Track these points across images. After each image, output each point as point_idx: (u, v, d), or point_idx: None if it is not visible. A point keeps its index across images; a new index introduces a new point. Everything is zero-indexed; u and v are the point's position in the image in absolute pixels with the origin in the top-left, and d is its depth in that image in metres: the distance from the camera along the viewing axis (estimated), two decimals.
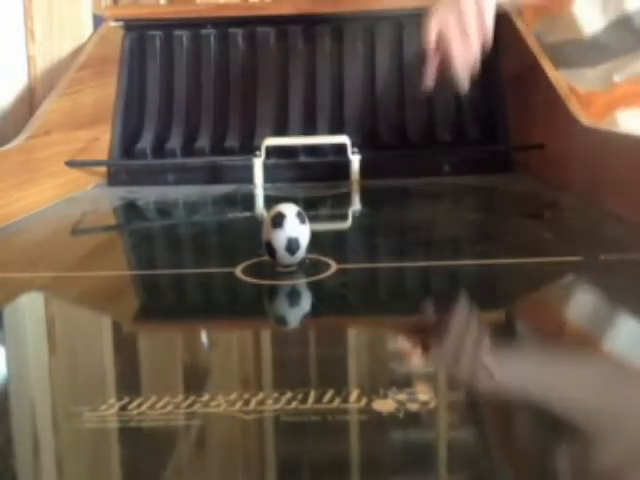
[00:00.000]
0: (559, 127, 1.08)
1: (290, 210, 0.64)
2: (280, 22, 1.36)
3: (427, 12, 1.02)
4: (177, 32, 1.35)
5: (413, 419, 0.39)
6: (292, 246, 0.63)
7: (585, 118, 1.00)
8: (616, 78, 1.17)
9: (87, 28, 1.37)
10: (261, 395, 0.42)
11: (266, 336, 0.58)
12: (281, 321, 0.60)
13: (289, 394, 0.42)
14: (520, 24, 1.27)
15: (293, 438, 0.39)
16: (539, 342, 0.53)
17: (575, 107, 1.04)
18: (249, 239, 0.85)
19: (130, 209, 1.11)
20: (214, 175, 1.24)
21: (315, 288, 0.63)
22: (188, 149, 1.27)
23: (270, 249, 0.64)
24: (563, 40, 1.21)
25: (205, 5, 1.49)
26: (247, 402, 0.41)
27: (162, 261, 0.81)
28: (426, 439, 0.39)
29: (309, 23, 1.35)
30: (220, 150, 1.27)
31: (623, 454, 0.35)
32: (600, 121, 1.15)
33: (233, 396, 0.42)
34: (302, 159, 1.25)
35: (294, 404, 0.41)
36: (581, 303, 0.63)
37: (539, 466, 0.35)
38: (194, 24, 1.36)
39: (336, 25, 1.35)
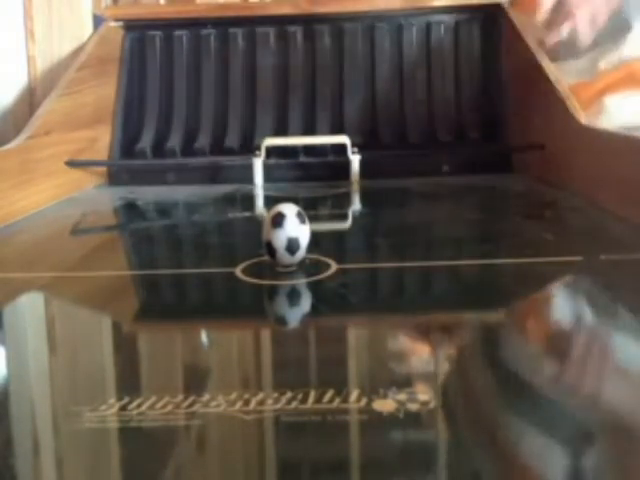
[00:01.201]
0: (559, 127, 1.08)
1: (290, 210, 0.64)
2: (280, 22, 1.36)
3: None
4: (177, 32, 1.35)
5: (413, 419, 0.39)
6: (292, 246, 0.63)
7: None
8: (601, 65, 1.16)
9: (87, 28, 1.37)
10: (261, 395, 0.42)
11: (266, 336, 0.58)
12: (281, 321, 0.60)
13: (289, 394, 0.42)
14: (520, 23, 1.27)
15: (293, 438, 0.39)
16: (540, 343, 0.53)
17: (575, 107, 1.04)
18: (249, 239, 0.85)
19: (130, 209, 1.11)
20: (214, 175, 1.24)
21: (315, 288, 0.63)
22: (188, 149, 1.28)
23: (270, 249, 0.64)
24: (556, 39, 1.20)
25: (205, 5, 1.49)
26: (247, 402, 0.41)
27: (162, 261, 0.81)
28: (426, 439, 0.39)
29: (309, 23, 1.35)
30: (220, 150, 1.27)
31: None
32: (588, 108, 1.14)
33: (233, 396, 0.42)
34: (302, 159, 1.25)
35: (294, 404, 0.41)
36: (583, 303, 0.63)
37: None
38: (194, 24, 1.36)
39: (336, 25, 1.35)
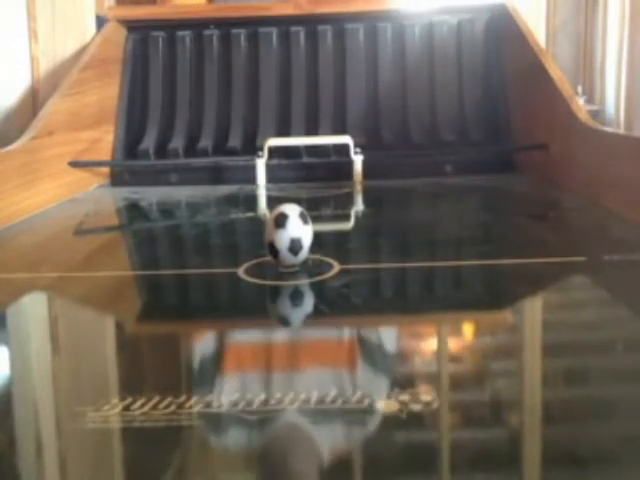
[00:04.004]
0: (562, 127, 1.08)
1: (293, 211, 0.64)
2: (282, 23, 1.36)
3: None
4: (180, 33, 1.36)
5: (416, 419, 0.39)
6: (295, 246, 0.63)
7: None
8: None
9: (90, 29, 1.37)
10: (263, 396, 0.42)
11: (268, 337, 0.58)
12: (284, 322, 0.60)
13: (292, 395, 0.42)
14: (523, 24, 1.27)
15: (294, 438, 0.39)
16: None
17: (578, 107, 1.04)
18: (252, 239, 0.85)
19: (133, 210, 1.11)
20: (217, 175, 1.25)
21: (318, 288, 0.63)
22: (191, 150, 1.28)
23: (273, 250, 0.64)
24: None
25: (208, 6, 1.49)
26: (250, 403, 0.41)
27: (165, 261, 0.81)
28: (429, 439, 0.39)
29: (311, 23, 1.35)
30: (223, 150, 1.27)
31: None
32: None
33: (236, 397, 0.42)
34: (305, 159, 1.25)
35: (296, 404, 0.41)
36: (586, 304, 0.63)
37: None
38: (197, 25, 1.36)
39: (338, 25, 1.35)
